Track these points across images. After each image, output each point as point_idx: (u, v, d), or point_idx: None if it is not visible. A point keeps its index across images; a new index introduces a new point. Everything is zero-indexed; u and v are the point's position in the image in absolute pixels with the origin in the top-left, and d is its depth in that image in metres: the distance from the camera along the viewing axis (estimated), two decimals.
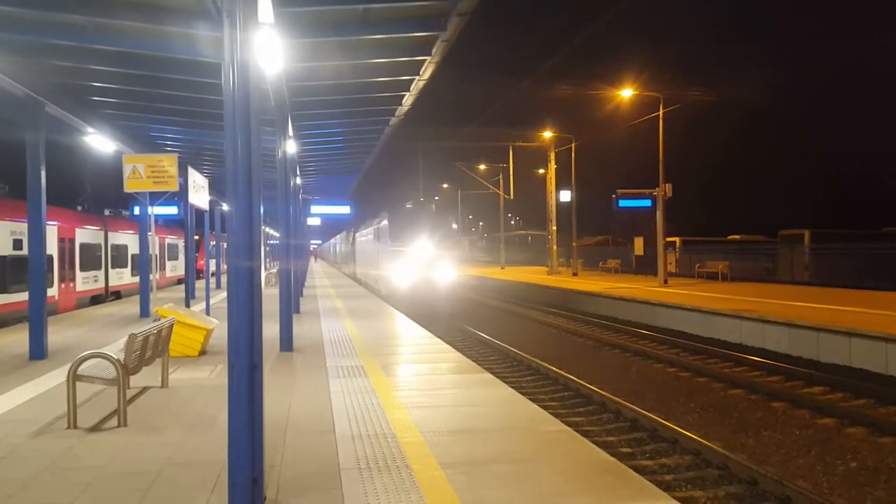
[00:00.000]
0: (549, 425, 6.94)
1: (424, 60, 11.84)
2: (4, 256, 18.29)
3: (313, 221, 40.66)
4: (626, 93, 29.86)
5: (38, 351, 11.41)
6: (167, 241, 35.73)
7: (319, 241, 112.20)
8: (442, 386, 8.92)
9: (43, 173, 11.72)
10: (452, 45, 11.15)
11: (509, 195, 49.20)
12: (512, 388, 9.08)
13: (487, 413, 7.45)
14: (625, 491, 5.05)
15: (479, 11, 10.05)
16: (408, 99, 14.66)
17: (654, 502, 4.89)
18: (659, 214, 28.87)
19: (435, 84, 13.99)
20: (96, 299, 25.31)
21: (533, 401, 8.65)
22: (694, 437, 8.92)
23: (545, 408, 8.96)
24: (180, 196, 17.99)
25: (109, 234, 26.91)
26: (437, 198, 52.29)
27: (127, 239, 28.66)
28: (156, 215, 17.18)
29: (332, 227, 69.99)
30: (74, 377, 7.10)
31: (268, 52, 8.42)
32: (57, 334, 13.95)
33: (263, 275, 36.65)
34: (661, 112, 29.35)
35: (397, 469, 5.60)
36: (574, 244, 40.93)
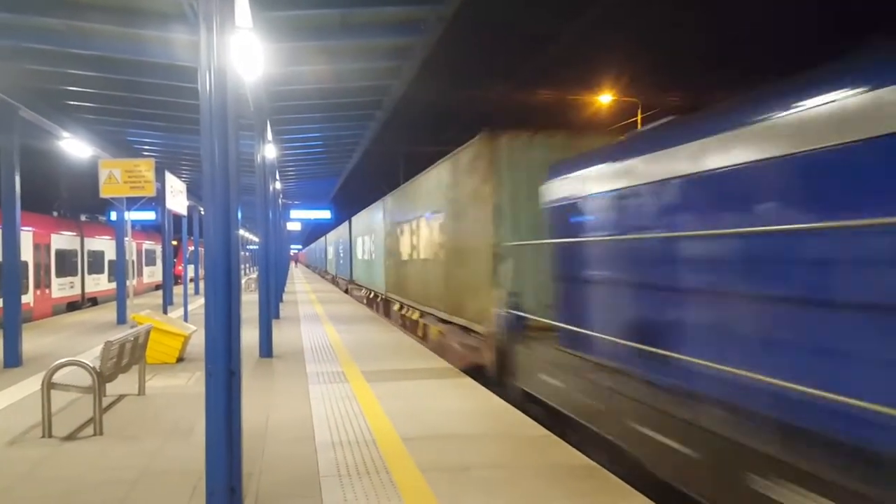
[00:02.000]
0: (531, 430, 6.94)
1: (404, 65, 11.84)
2: None
3: (293, 226, 40.49)
4: (605, 98, 30.04)
5: (13, 358, 11.24)
6: (144, 246, 35.42)
7: (300, 247, 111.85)
8: (423, 391, 8.89)
9: (17, 178, 11.58)
10: (432, 50, 11.17)
11: None
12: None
13: (469, 418, 7.43)
14: (606, 496, 5.05)
15: (459, 16, 10.08)
16: (388, 103, 14.65)
17: None
18: None
19: (415, 88, 14.01)
20: (72, 306, 25.00)
21: None
22: None
23: None
24: (158, 201, 17.85)
25: (86, 239, 26.61)
26: None
27: (103, 244, 28.35)
28: (133, 220, 16.98)
29: (315, 230, 68.42)
30: (49, 385, 6.99)
31: (246, 57, 8.36)
32: (32, 341, 13.75)
33: (242, 280, 36.43)
34: (639, 118, 29.57)
35: (377, 475, 5.56)
36: None
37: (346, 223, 35.21)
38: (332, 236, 48.47)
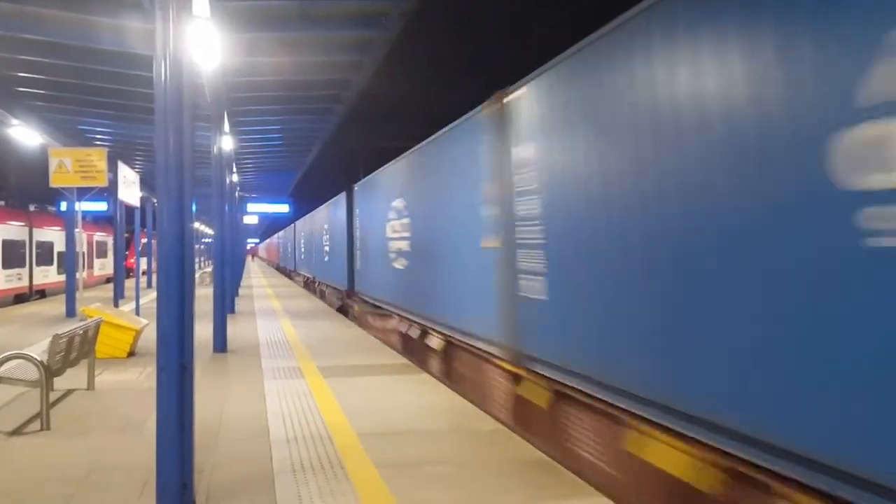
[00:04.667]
0: (486, 424, 6.98)
1: (365, 59, 11.78)
2: None
3: (250, 220, 39.98)
4: None
5: None
6: (96, 238, 34.63)
7: (257, 240, 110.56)
8: (380, 387, 8.88)
9: None
10: (394, 44, 11.13)
11: None
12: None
13: (425, 413, 7.44)
14: (559, 489, 5.11)
15: (423, 11, 10.08)
16: (348, 97, 14.56)
17: (587, 499, 4.96)
18: None
19: (377, 82, 13.95)
20: (20, 298, 24.35)
21: None
22: None
23: None
24: (110, 192, 17.48)
25: (34, 230, 25.92)
26: None
27: (53, 235, 27.65)
28: (84, 211, 16.59)
29: (276, 223, 67.47)
30: None
31: (203, 46, 8.24)
32: None
33: (197, 274, 35.86)
34: None
35: (332, 471, 5.54)
36: None
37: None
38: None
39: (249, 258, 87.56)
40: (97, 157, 13.39)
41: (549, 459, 5.87)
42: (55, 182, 13.40)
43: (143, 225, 26.02)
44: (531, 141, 7.22)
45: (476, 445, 6.25)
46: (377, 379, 9.42)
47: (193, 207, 4.76)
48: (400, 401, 8.08)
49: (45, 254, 27.05)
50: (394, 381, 9.29)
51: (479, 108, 8.71)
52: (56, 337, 7.22)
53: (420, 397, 8.25)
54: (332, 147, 25.42)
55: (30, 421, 7.11)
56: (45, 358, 7.06)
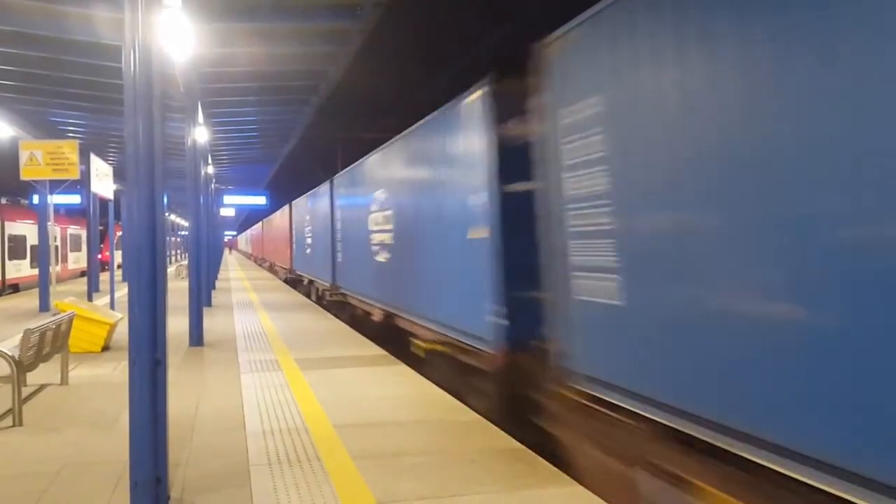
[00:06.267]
0: (463, 415, 7.01)
1: (341, 50, 11.70)
2: None
3: (227, 212, 39.66)
4: None
5: None
6: (69, 231, 34.17)
7: (235, 233, 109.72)
8: (357, 378, 8.87)
9: None
10: (370, 35, 11.07)
11: None
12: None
13: (401, 405, 7.45)
14: (534, 478, 5.15)
15: (398, 1, 10.03)
16: (324, 89, 14.47)
17: (563, 488, 5.01)
18: None
19: (353, 74, 13.88)
20: None
21: None
22: None
23: None
24: (83, 184, 17.25)
25: (6, 223, 25.51)
26: None
27: (25, 229, 27.21)
28: (58, 204, 16.34)
29: (254, 215, 66.92)
30: None
31: (174, 36, 8.15)
32: None
33: (173, 267, 35.56)
34: None
35: (309, 463, 5.54)
36: None
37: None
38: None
39: (227, 251, 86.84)
40: (68, 150, 13.21)
41: (526, 449, 5.91)
42: (26, 175, 13.21)
43: (117, 218, 25.72)
44: None
45: (453, 436, 6.27)
46: (354, 370, 9.41)
47: (165, 199, 4.71)
48: (376, 392, 8.08)
49: (17, 247, 26.63)
50: (370, 372, 9.29)
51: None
52: (28, 332, 7.12)
53: (396, 388, 8.26)
54: (311, 138, 25.25)
55: (1, 417, 7.02)
56: (16, 353, 6.97)
